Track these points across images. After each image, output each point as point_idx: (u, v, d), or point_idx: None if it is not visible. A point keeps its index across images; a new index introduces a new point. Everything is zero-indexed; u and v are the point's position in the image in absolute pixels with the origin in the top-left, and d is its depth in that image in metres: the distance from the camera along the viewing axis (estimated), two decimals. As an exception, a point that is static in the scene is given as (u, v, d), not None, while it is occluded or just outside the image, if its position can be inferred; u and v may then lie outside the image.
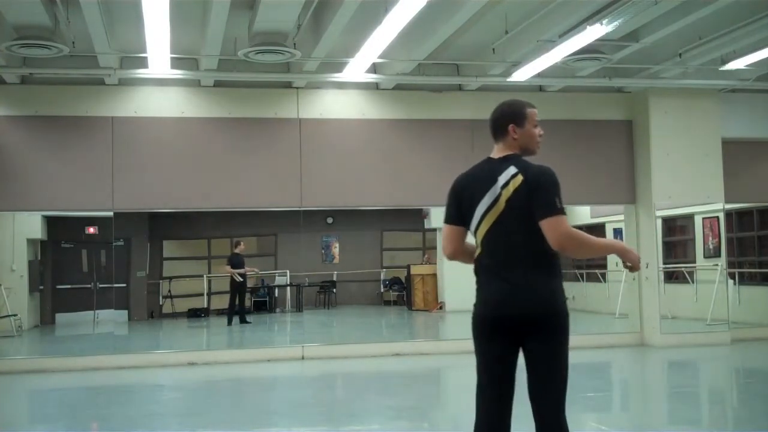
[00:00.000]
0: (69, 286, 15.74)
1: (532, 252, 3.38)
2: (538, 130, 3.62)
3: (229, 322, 14.98)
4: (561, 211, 3.33)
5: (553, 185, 3.37)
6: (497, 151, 3.56)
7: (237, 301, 15.15)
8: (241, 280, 15.05)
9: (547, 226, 3.31)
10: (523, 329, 3.35)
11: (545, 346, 3.33)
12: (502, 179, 3.42)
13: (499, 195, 3.41)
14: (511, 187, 3.39)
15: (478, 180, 3.52)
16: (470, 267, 3.65)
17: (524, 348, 3.39)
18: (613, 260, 14.20)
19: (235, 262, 15.09)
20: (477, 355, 3.50)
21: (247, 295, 15.53)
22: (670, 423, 6.77)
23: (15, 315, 13.29)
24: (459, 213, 3.56)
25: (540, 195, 3.35)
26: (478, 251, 3.53)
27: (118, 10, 8.35)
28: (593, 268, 16.04)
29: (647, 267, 11.19)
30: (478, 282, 3.53)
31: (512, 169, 3.43)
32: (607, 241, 3.40)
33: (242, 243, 15.43)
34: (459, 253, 3.60)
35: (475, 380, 3.46)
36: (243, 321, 15.17)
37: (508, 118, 3.56)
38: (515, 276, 3.38)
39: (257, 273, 16.52)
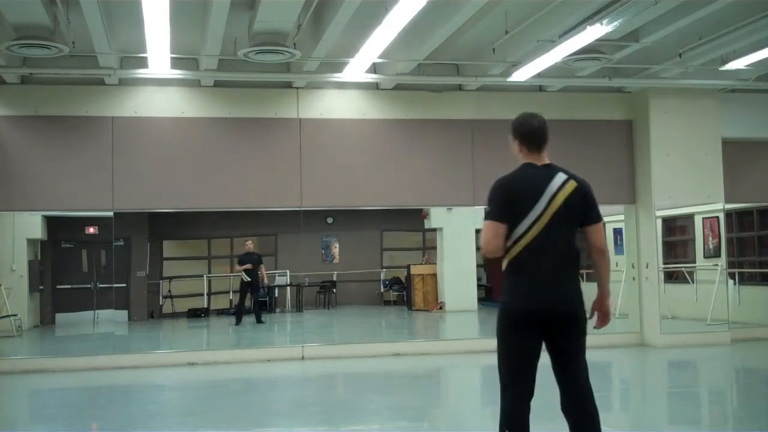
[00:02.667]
0: (69, 286, 15.74)
1: (575, 254, 3.79)
2: None
3: (238, 322, 15.01)
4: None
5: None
6: (538, 160, 3.89)
7: (247, 301, 15.26)
8: (249, 279, 15.08)
9: (596, 229, 3.82)
10: (562, 323, 3.73)
11: (581, 337, 3.84)
12: (556, 184, 3.76)
13: (554, 198, 3.72)
14: (566, 191, 3.75)
15: (531, 185, 3.78)
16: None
17: (555, 339, 3.75)
18: (613, 260, 14.22)
19: (243, 261, 15.17)
20: (510, 349, 3.75)
21: (247, 296, 15.47)
22: (670, 423, 6.77)
23: (15, 315, 13.28)
24: (511, 213, 3.73)
25: (592, 201, 3.83)
26: (517, 250, 3.72)
27: (118, 10, 8.34)
28: (593, 268, 16.02)
29: (647, 267, 11.21)
30: (516, 280, 3.74)
31: (562, 176, 3.81)
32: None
33: (249, 242, 15.49)
34: (502, 250, 3.76)
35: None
36: (258, 320, 15.23)
37: (547, 135, 3.96)
38: (563, 275, 3.73)
39: (263, 275, 16.51)
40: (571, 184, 3.77)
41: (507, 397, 3.76)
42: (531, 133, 3.90)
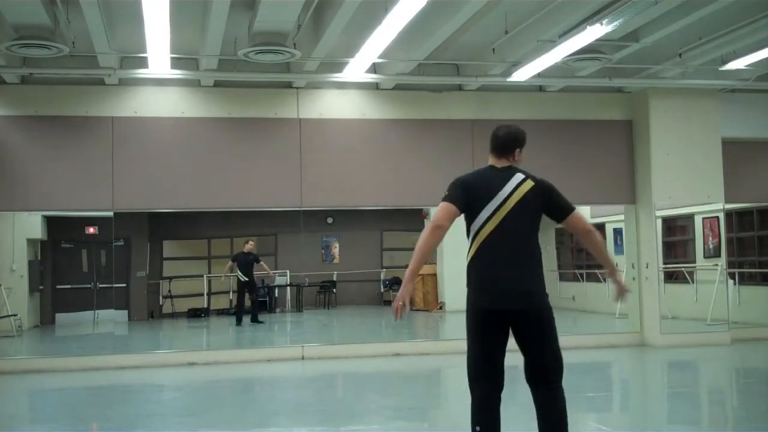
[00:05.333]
0: (69, 286, 15.74)
1: (535, 251, 3.93)
2: None
3: (238, 322, 15.02)
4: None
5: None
6: (499, 163, 4.10)
7: (247, 301, 15.29)
8: (245, 279, 15.08)
9: (577, 216, 4.00)
10: (520, 317, 3.84)
11: (545, 328, 3.90)
12: (513, 183, 3.94)
13: (509, 196, 3.89)
14: (522, 190, 3.91)
15: (488, 182, 3.98)
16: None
17: (518, 332, 3.88)
18: (613, 261, 14.19)
19: (240, 260, 15.14)
20: (476, 344, 3.89)
21: (247, 295, 15.47)
22: (670, 423, 6.77)
23: (15, 315, 13.28)
24: (465, 202, 3.93)
25: (557, 195, 4.00)
26: (475, 247, 3.91)
27: (118, 10, 8.35)
28: (593, 268, 16.03)
29: (647, 267, 11.20)
30: (476, 277, 3.91)
31: (520, 176, 3.99)
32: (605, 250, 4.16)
33: (250, 242, 15.45)
34: (445, 231, 3.93)
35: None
36: (254, 320, 15.23)
37: (518, 143, 4.13)
38: (520, 270, 3.85)
39: (269, 273, 16.55)
40: (528, 183, 3.95)
41: (475, 391, 3.89)
42: (494, 140, 4.16)
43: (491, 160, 4.14)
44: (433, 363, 10.40)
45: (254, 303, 15.62)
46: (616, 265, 4.22)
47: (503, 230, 3.86)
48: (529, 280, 3.87)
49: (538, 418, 3.87)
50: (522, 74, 10.04)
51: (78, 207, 10.71)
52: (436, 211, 3.94)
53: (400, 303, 3.78)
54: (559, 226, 4.13)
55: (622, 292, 4.11)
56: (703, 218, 13.12)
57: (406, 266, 3.96)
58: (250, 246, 15.33)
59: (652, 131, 11.21)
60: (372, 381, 9.21)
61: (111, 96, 10.30)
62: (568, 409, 3.94)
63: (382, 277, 19.99)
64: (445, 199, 3.94)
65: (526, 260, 3.88)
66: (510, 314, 3.83)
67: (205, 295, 18.31)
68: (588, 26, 8.06)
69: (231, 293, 18.34)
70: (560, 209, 4.00)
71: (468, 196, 3.93)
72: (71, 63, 9.28)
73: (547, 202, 3.97)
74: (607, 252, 4.24)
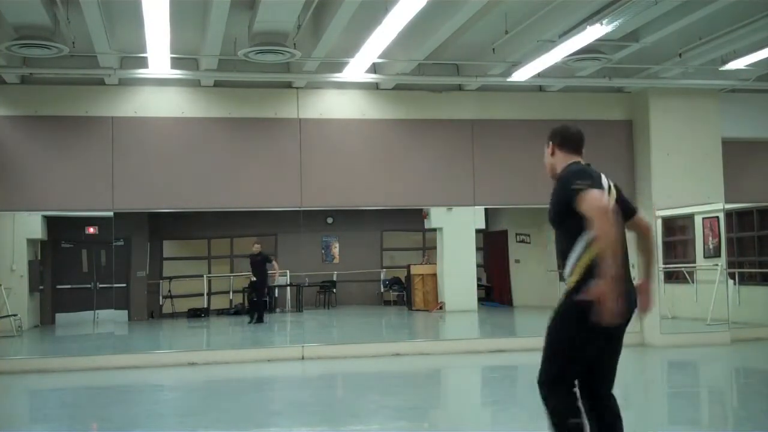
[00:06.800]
0: (69, 286, 15.74)
1: (561, 250, 3.85)
2: None
3: (250, 321, 15.30)
4: None
5: None
6: (581, 159, 4.06)
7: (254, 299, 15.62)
8: (253, 279, 15.42)
9: (641, 216, 4.15)
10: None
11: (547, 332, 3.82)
12: (605, 180, 3.93)
13: (610, 194, 3.87)
14: (614, 189, 3.94)
15: (599, 178, 3.90)
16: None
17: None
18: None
19: (251, 262, 15.52)
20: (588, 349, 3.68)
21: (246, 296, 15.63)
22: (670, 423, 6.77)
23: (15, 315, 13.27)
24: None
25: (626, 197, 4.07)
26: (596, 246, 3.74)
27: (118, 10, 8.35)
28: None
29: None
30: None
31: (603, 175, 3.96)
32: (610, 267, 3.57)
33: (255, 244, 15.76)
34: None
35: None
36: (258, 320, 15.35)
37: (583, 140, 4.14)
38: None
39: (276, 274, 16.74)
40: (613, 184, 4.05)
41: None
42: (574, 136, 4.12)
43: (574, 158, 4.03)
44: (433, 363, 10.40)
45: (251, 302, 15.78)
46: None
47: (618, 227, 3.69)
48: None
49: None
50: (522, 74, 10.04)
51: (78, 207, 10.70)
52: (590, 200, 3.54)
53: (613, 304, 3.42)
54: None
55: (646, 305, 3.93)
56: (703, 218, 13.10)
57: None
58: (257, 248, 15.59)
59: (652, 131, 11.21)
60: (372, 381, 9.21)
61: (111, 96, 10.30)
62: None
63: (382, 277, 19.96)
64: (591, 187, 3.62)
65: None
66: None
67: (205, 295, 18.31)
68: (588, 26, 8.07)
69: (231, 293, 18.37)
70: (630, 209, 4.08)
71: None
72: (71, 63, 9.29)
73: (622, 200, 4.00)
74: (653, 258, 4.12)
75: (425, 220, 17.23)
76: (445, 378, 10.00)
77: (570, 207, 3.62)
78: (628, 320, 3.75)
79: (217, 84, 10.51)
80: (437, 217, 16.68)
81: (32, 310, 14.91)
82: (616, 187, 3.97)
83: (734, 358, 10.60)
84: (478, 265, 17.83)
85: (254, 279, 15.50)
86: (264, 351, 10.86)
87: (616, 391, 3.81)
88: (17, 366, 9.98)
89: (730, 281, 12.32)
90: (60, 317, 15.72)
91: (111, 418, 7.08)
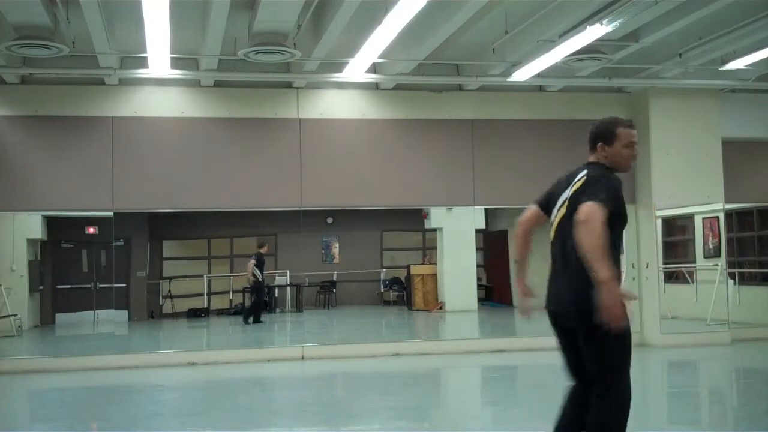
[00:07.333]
0: (69, 286, 15.74)
1: (571, 249, 3.59)
2: (629, 151, 3.79)
3: (255, 321, 15.36)
4: (600, 201, 3.44)
5: (607, 182, 3.58)
6: (591, 158, 3.85)
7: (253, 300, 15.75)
8: (254, 279, 15.53)
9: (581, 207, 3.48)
10: (560, 322, 3.91)
11: (587, 341, 4.12)
12: (573, 178, 3.73)
13: (568, 194, 3.69)
14: (575, 186, 3.65)
15: (564, 180, 3.81)
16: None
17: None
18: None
19: (258, 260, 15.65)
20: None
21: (247, 296, 15.65)
22: (670, 423, 6.76)
23: (15, 315, 13.27)
24: (546, 201, 3.88)
25: (590, 186, 3.59)
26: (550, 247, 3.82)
27: (118, 10, 8.34)
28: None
29: (647, 267, 11.20)
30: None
31: (583, 171, 3.70)
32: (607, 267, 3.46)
33: (266, 245, 15.95)
34: (528, 232, 3.94)
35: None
36: (256, 320, 15.39)
37: (597, 136, 3.82)
38: (560, 272, 3.75)
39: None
40: (582, 180, 3.68)
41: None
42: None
43: (589, 157, 3.95)
44: (433, 363, 10.39)
45: (251, 302, 15.87)
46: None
47: (558, 234, 3.86)
48: (562, 286, 3.86)
49: None
50: (522, 74, 10.04)
51: (78, 207, 10.69)
52: (594, 213, 3.42)
53: (619, 310, 3.56)
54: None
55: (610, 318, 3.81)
56: (703, 218, 13.11)
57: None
58: (266, 248, 15.87)
59: (652, 131, 11.21)
60: (372, 381, 9.21)
61: (111, 96, 10.30)
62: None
63: (382, 277, 19.98)
64: (604, 206, 3.47)
65: (565, 264, 3.85)
66: (552, 318, 4.00)
67: (205, 295, 18.32)
68: (588, 26, 8.06)
69: (231, 293, 18.37)
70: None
71: (550, 195, 3.91)
72: (71, 63, 9.28)
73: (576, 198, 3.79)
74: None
75: (425, 220, 17.24)
76: (445, 378, 10.00)
77: None
78: (561, 315, 3.78)
79: (217, 84, 10.50)
80: (437, 217, 16.69)
81: (32, 310, 14.91)
82: (586, 181, 3.64)
83: (734, 358, 10.60)
84: (478, 265, 17.83)
85: (261, 279, 15.60)
86: (264, 351, 10.86)
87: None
88: (17, 366, 9.97)
89: (730, 281, 12.31)
90: (60, 317, 15.72)
91: (111, 418, 7.08)
